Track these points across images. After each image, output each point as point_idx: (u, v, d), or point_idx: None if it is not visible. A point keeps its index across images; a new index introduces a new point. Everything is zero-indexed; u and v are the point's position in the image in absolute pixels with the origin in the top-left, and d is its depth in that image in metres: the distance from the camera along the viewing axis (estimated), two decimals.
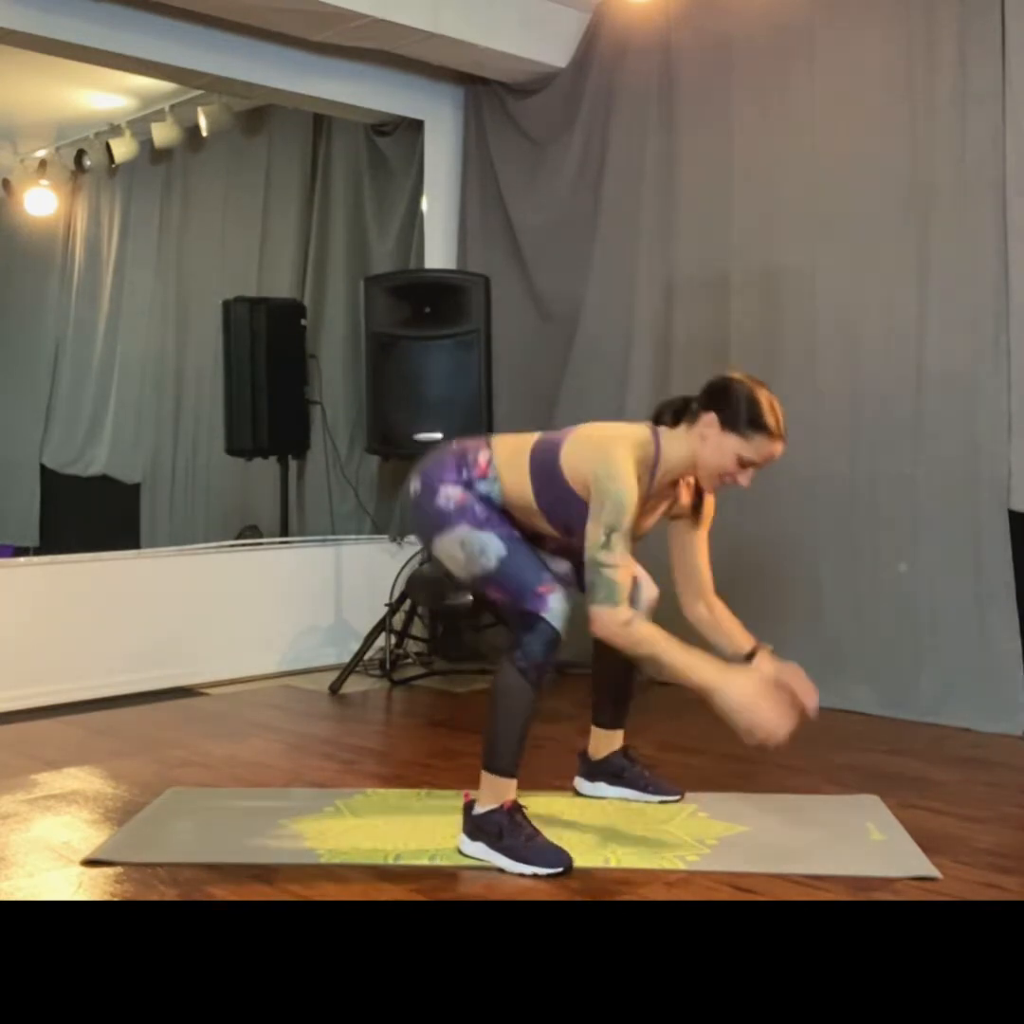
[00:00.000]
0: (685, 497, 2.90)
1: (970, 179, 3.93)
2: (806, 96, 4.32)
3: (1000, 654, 3.86)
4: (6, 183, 7.52)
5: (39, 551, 7.68)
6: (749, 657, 2.81)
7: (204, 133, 6.03)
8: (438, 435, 4.42)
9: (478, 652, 4.95)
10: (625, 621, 2.55)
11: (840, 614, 4.21)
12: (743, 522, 4.22)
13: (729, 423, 2.65)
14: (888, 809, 2.97)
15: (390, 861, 2.64)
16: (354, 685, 4.62)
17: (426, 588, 4.62)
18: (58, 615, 4.41)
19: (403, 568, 4.87)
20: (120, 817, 2.98)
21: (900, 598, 4.07)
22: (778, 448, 2.68)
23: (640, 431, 2.73)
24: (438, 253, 5.41)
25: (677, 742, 3.63)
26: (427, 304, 4.71)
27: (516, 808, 2.63)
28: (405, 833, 2.82)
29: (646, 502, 2.73)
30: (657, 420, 2.78)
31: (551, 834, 2.65)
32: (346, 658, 4.79)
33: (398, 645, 4.85)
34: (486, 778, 2.64)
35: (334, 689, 4.55)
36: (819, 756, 3.46)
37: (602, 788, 3.11)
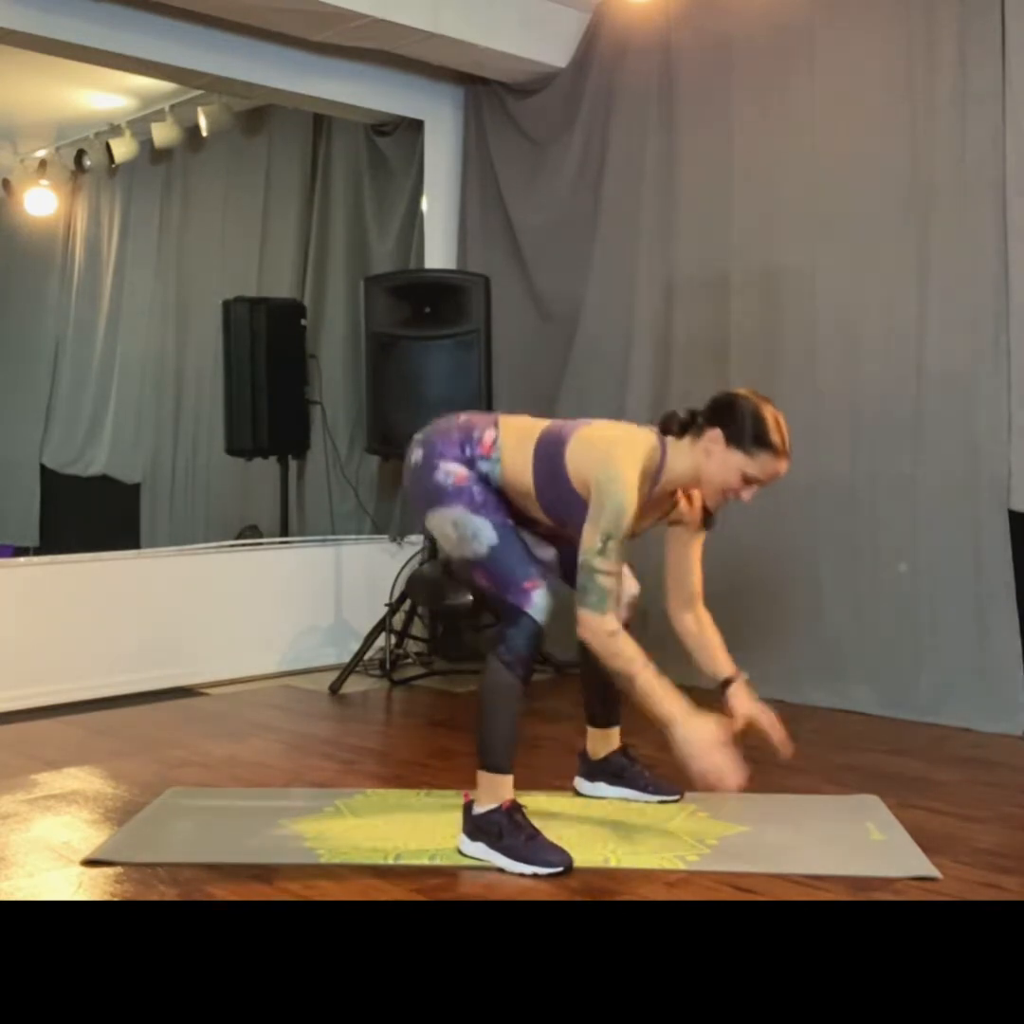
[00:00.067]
0: (685, 506, 2.90)
1: (970, 179, 3.93)
2: (806, 96, 4.32)
3: (1000, 654, 3.86)
4: (6, 183, 7.52)
5: (39, 551, 7.67)
6: (725, 685, 2.85)
7: (204, 133, 6.04)
8: None
9: (478, 652, 4.93)
10: (611, 631, 2.58)
11: (840, 614, 4.21)
12: (743, 522, 4.21)
13: (734, 439, 2.64)
14: (888, 809, 2.97)
15: (390, 861, 2.64)
16: (354, 685, 4.62)
17: (426, 588, 4.62)
18: (58, 615, 4.41)
19: (403, 568, 4.87)
20: (120, 817, 2.98)
21: (900, 598, 4.07)
22: (783, 466, 2.67)
23: (649, 437, 2.71)
24: (438, 253, 5.41)
25: None
26: (427, 304, 4.71)
27: (516, 808, 2.63)
28: (405, 833, 2.81)
29: (640, 508, 2.73)
30: (664, 430, 2.75)
31: (551, 834, 2.65)
32: (346, 658, 4.79)
33: (398, 645, 4.85)
34: (482, 777, 2.65)
35: (334, 689, 4.55)
36: (819, 756, 3.46)
37: (602, 788, 3.11)
